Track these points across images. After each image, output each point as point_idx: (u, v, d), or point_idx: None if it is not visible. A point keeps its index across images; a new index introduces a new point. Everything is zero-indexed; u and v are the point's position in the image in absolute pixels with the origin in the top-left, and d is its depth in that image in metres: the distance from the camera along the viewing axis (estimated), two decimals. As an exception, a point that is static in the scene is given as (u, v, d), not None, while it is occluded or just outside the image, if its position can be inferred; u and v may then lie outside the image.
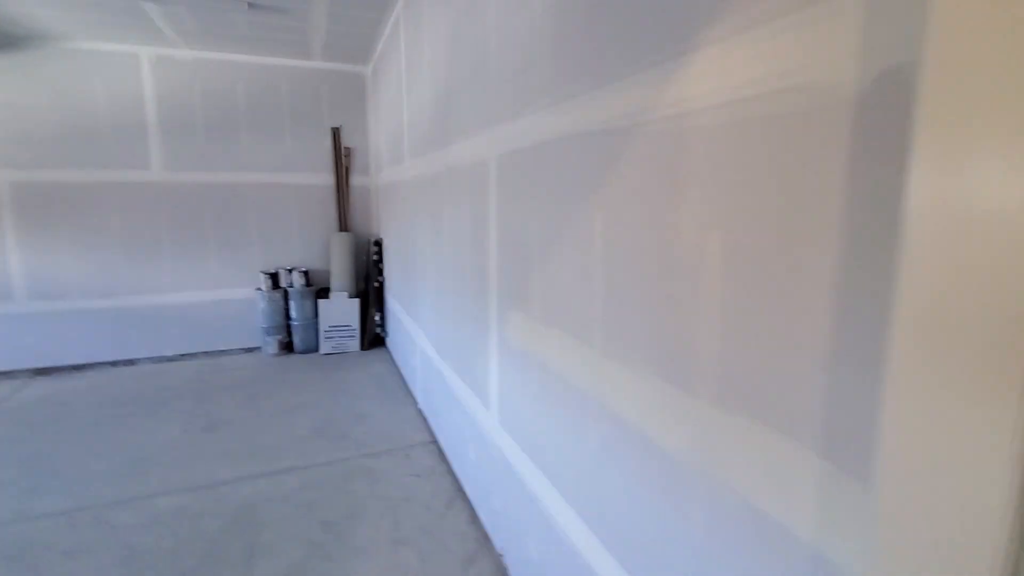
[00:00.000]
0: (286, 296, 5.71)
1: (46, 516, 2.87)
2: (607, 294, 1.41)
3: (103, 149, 5.20)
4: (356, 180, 6.14)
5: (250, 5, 4.02)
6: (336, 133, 5.94)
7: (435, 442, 3.68)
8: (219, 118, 5.53)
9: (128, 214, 5.35)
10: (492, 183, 2.18)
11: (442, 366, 3.36)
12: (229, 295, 5.78)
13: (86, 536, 2.70)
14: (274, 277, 5.67)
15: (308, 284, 5.78)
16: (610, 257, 1.40)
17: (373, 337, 5.95)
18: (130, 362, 5.53)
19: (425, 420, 4.02)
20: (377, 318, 5.85)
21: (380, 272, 5.74)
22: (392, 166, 4.80)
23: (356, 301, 5.84)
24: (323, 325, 5.74)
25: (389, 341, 5.78)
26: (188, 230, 5.56)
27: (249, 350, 5.91)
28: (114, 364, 5.48)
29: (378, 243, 5.73)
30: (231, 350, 5.87)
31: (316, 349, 5.80)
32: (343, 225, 6.06)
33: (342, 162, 5.97)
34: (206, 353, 5.78)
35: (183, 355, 5.71)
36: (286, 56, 5.58)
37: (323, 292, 5.88)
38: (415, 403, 4.36)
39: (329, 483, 3.19)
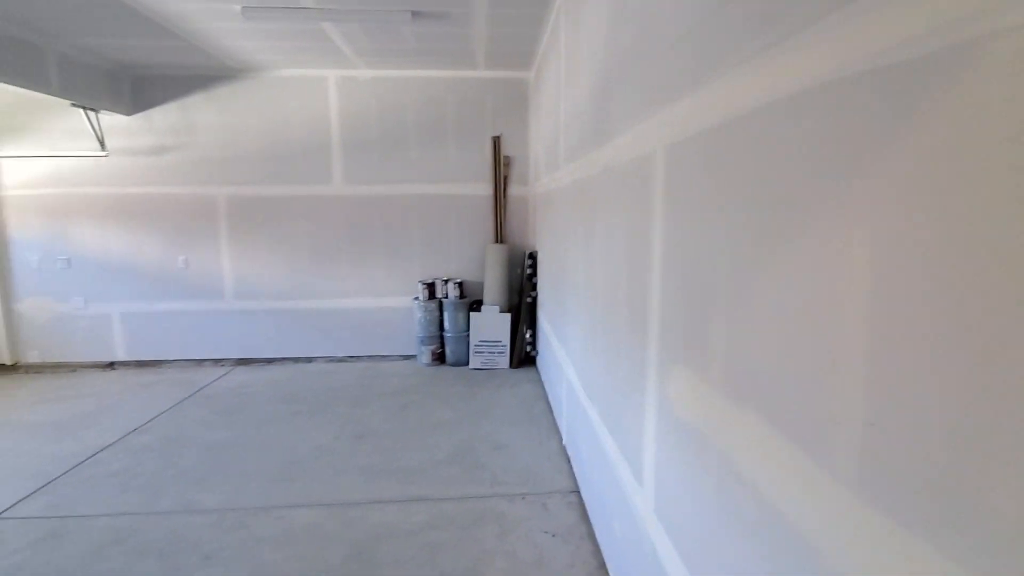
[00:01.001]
0: (440, 307, 5.70)
1: (202, 512, 3.01)
2: (875, 371, 0.75)
3: (295, 166, 5.75)
4: (514, 190, 5.92)
5: (413, 14, 3.98)
6: (496, 142, 5.80)
7: (577, 492, 3.14)
8: (390, 133, 5.76)
9: (313, 225, 5.84)
10: (658, 183, 1.60)
11: (588, 406, 2.82)
12: (392, 303, 5.97)
13: (226, 541, 2.73)
14: (431, 287, 5.71)
15: (462, 296, 5.70)
16: (884, 302, 0.73)
17: (524, 355, 5.63)
18: (308, 360, 6.02)
19: (568, 461, 3.50)
20: (528, 335, 5.52)
21: (533, 287, 5.41)
22: (548, 174, 4.42)
23: (507, 316, 5.59)
24: (474, 339, 5.60)
25: (539, 361, 5.41)
26: (360, 240, 5.88)
27: (406, 358, 6.04)
28: (296, 361, 6.01)
29: (532, 256, 5.41)
30: (391, 356, 6.07)
31: (467, 363, 5.69)
32: (499, 237, 5.88)
33: (501, 171, 5.80)
34: (370, 357, 6.05)
35: (351, 357, 6.05)
36: (451, 68, 5.59)
37: (476, 305, 5.75)
38: (559, 437, 3.88)
39: (457, 524, 2.85)
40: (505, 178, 5.84)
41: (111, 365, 5.88)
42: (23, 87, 4.35)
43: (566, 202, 3.49)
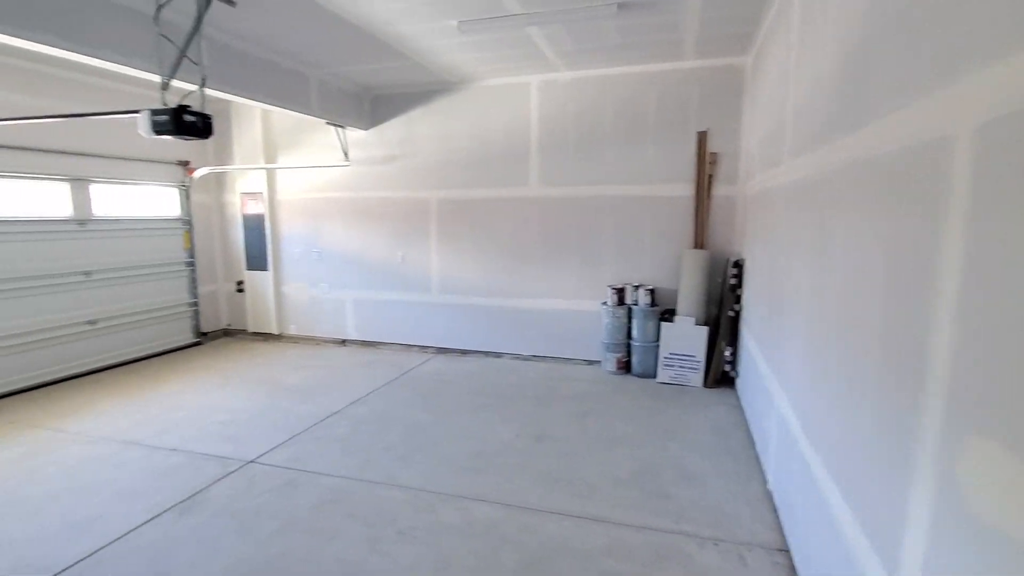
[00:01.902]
0: (629, 314, 5.42)
1: (402, 488, 3.28)
2: None
3: (496, 169, 6.04)
4: (720, 190, 5.33)
5: (619, 6, 3.79)
6: (702, 138, 5.28)
7: (786, 551, 2.62)
8: (586, 133, 5.67)
9: (510, 226, 6.08)
10: (957, 178, 1.14)
11: (808, 452, 2.31)
12: (580, 306, 5.90)
13: (418, 522, 2.92)
14: (620, 293, 5.47)
15: (653, 304, 5.34)
16: None
17: (720, 375, 5.05)
18: (497, 355, 6.30)
19: (775, 510, 2.97)
20: (728, 353, 4.92)
21: (737, 299, 4.79)
22: (765, 170, 3.83)
23: (704, 329, 5.06)
24: (664, 350, 5.20)
25: (739, 384, 4.78)
26: (553, 241, 5.93)
27: (590, 363, 5.91)
28: (486, 354, 6.34)
29: (738, 264, 4.79)
30: (575, 360, 6.00)
31: (654, 375, 5.32)
32: (698, 241, 5.36)
33: (705, 169, 5.27)
34: (554, 358, 6.08)
35: (536, 356, 6.15)
36: (655, 61, 5.26)
37: (668, 314, 5.34)
38: (763, 478, 3.33)
39: (636, 558, 2.61)
40: (710, 177, 5.30)
41: (343, 342, 6.95)
42: (293, 110, 5.35)
43: (790, 203, 2.94)
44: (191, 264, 6.83)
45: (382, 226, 6.60)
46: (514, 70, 5.58)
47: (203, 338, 7.02)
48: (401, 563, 2.58)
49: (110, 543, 2.73)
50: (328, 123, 6.03)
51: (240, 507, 3.07)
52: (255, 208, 7.02)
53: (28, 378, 5.12)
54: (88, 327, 5.63)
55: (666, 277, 5.54)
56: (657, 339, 5.27)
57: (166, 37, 3.38)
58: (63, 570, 2.52)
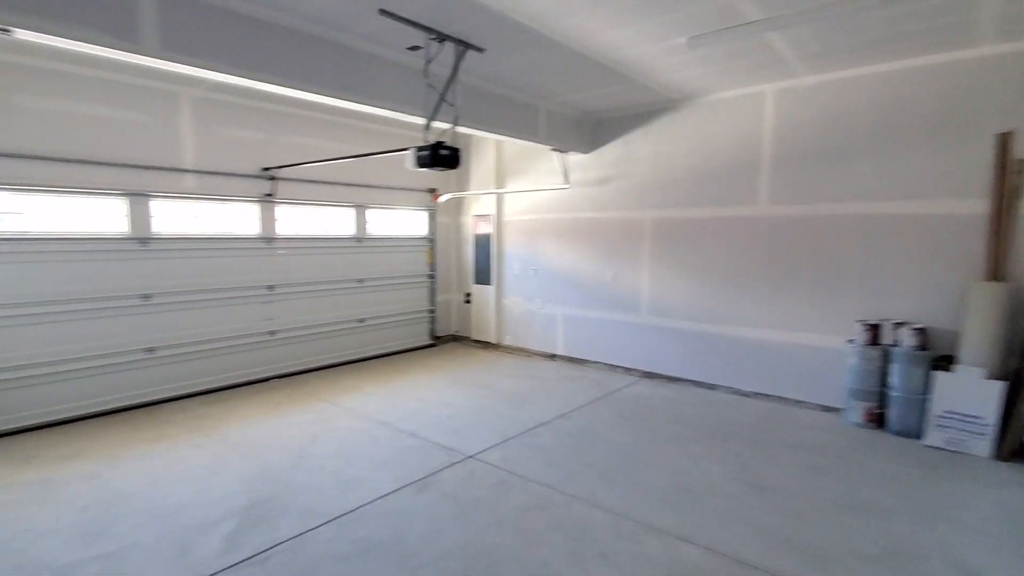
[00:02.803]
0: (886, 356, 4.51)
1: (603, 509, 3.26)
2: None
3: (718, 187, 5.67)
4: (1031, 206, 4.11)
5: (887, -5, 3.24)
6: (1004, 141, 4.15)
7: None
8: (831, 144, 4.94)
9: (730, 247, 5.63)
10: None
11: None
12: (814, 341, 5.13)
13: (620, 548, 2.86)
14: (874, 330, 4.59)
15: (922, 347, 4.35)
16: None
17: (1019, 445, 3.84)
18: (711, 387, 5.85)
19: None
20: (1037, 419, 3.72)
21: (1057, 349, 3.60)
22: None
23: (998, 385, 3.93)
24: (936, 406, 4.18)
25: (1057, 463, 3.57)
26: (781, 265, 5.30)
27: (827, 409, 5.07)
28: (697, 384, 5.94)
29: (1060, 303, 3.61)
30: (806, 403, 5.22)
31: (918, 435, 4.31)
32: (994, 272, 4.20)
33: (1008, 181, 4.13)
34: (780, 398, 5.38)
35: (757, 393, 5.53)
36: (931, 52, 4.33)
37: (944, 361, 4.28)
38: (1101, 602, 2.40)
39: (889, 656, 2.12)
40: (1015, 190, 4.12)
41: (552, 356, 7.27)
42: (524, 139, 5.85)
43: None
44: (432, 276, 7.96)
45: (594, 245, 6.75)
46: (745, 80, 5.19)
47: (436, 341, 8.09)
48: (603, 586, 2.55)
49: (367, 503, 3.31)
50: (552, 149, 6.44)
51: (463, 496, 3.42)
52: (484, 228, 7.86)
53: (316, 360, 6.57)
54: (358, 324, 6.99)
55: (940, 314, 4.47)
56: (926, 391, 4.26)
57: (431, 86, 4.04)
58: (335, 517, 3.14)
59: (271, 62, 3.60)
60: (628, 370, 6.51)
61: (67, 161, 4.64)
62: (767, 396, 5.46)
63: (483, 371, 6.61)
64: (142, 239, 5.13)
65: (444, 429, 4.59)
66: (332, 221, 6.75)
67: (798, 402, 5.27)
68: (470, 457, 4.02)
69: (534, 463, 3.92)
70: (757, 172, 5.42)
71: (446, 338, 8.31)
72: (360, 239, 7.00)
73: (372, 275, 7.13)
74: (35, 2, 2.70)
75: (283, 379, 6.18)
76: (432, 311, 8.00)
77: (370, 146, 6.62)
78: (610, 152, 6.56)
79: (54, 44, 2.89)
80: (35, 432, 4.52)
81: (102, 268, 4.89)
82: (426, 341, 7.95)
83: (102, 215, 4.94)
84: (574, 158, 6.81)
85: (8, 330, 4.42)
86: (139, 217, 5.11)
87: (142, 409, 5.13)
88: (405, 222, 7.65)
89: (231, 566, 2.69)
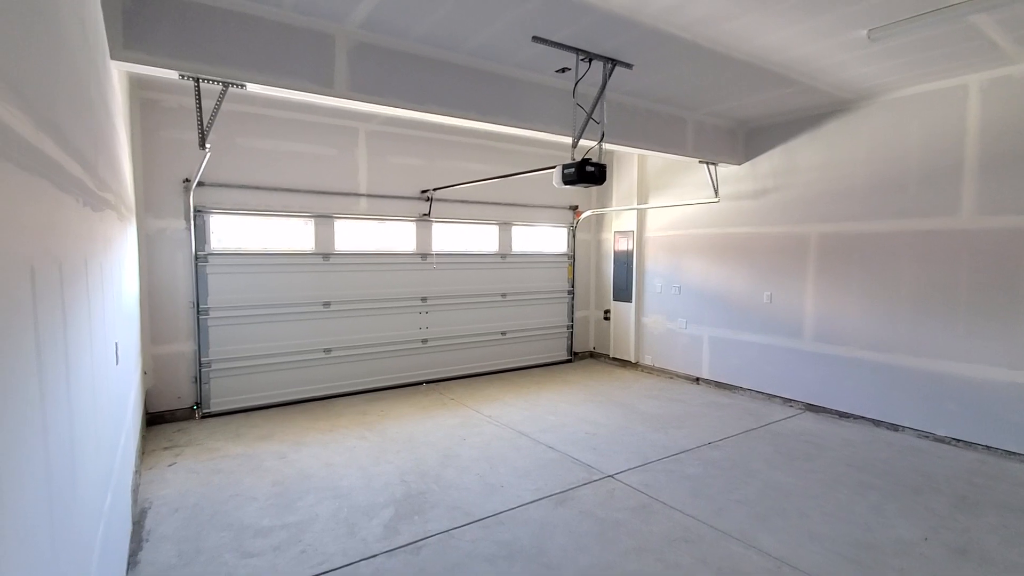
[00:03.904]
0: None
1: (760, 552, 2.96)
2: None
3: (905, 197, 4.93)
4: None
5: None
6: None
7: None
8: (1071, 139, 4.03)
9: (920, 265, 4.84)
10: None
11: None
12: (1041, 381, 4.17)
13: (780, 597, 2.57)
14: None
15: None
16: None
17: None
18: (893, 427, 5.03)
19: None
20: None
21: None
22: None
23: None
24: None
25: None
26: (993, 287, 4.41)
27: (1061, 466, 4.07)
28: (876, 423, 5.15)
29: None
30: (1029, 456, 4.24)
31: None
32: None
33: None
34: (989, 448, 4.44)
35: (956, 440, 4.63)
36: None
37: None
38: None
39: None
40: None
41: (697, 380, 6.85)
42: (670, 153, 5.68)
43: None
44: (571, 292, 8.02)
45: (746, 263, 6.26)
46: (939, 73, 4.48)
47: (574, 357, 8.10)
48: (761, 636, 2.31)
49: (509, 509, 3.41)
50: (701, 162, 6.15)
51: (602, 515, 3.35)
52: (624, 245, 7.73)
53: (461, 369, 6.97)
54: (501, 336, 7.29)
55: None
56: None
57: (579, 105, 4.12)
58: (480, 519, 3.28)
59: (437, 95, 3.97)
60: (787, 401, 5.88)
61: (272, 189, 5.57)
62: (971, 444, 4.54)
63: (621, 390, 6.45)
64: (325, 255, 5.94)
65: (583, 446, 4.55)
66: (479, 238, 7.17)
67: (1014, 454, 4.30)
68: (609, 476, 3.93)
69: (679, 491, 3.71)
70: (958, 178, 4.60)
71: (583, 354, 8.28)
72: (504, 255, 7.32)
73: (515, 290, 7.40)
74: (261, 62, 3.32)
75: (432, 384, 6.65)
76: (570, 327, 8.04)
77: (515, 166, 6.93)
78: (767, 162, 6.07)
79: (270, 93, 3.52)
80: (240, 414, 5.43)
81: (294, 279, 5.75)
82: (564, 356, 8.00)
83: (295, 234, 5.83)
84: (725, 170, 6.42)
85: (223, 328, 5.39)
86: (323, 236, 5.93)
87: (318, 401, 5.88)
88: (546, 239, 7.83)
89: (390, 550, 2.95)
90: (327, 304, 5.96)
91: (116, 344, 2.60)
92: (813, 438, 4.83)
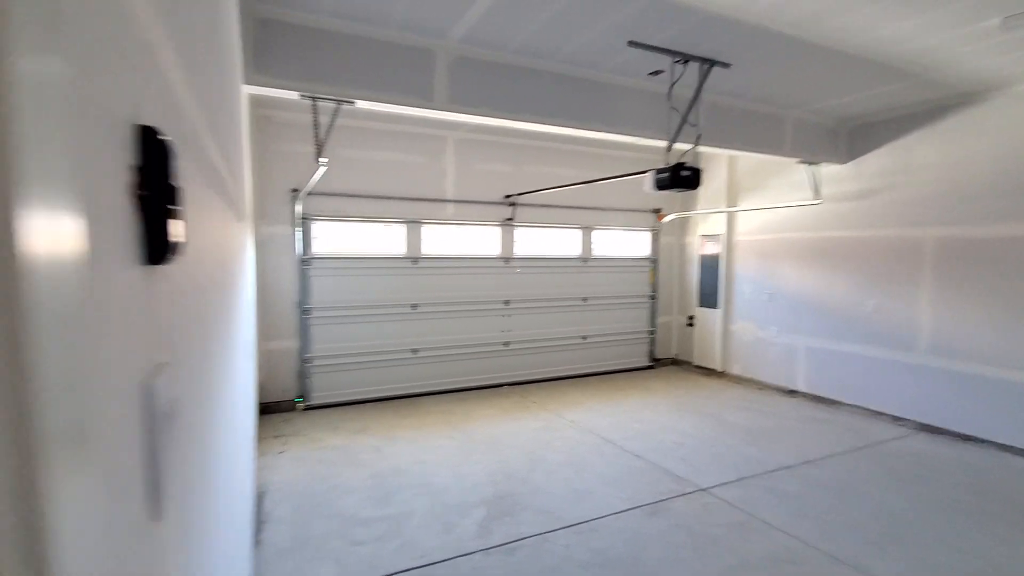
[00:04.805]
0: None
1: (876, 581, 2.77)
2: None
3: (1046, 197, 4.40)
4: None
5: None
6: None
7: None
8: None
9: (1064, 274, 4.30)
10: None
11: None
12: None
13: (904, 633, 2.38)
14: None
15: None
16: None
17: None
18: (1022, 452, 4.52)
19: None
20: None
21: None
22: None
23: None
24: None
25: None
26: None
27: None
28: (1001, 448, 4.63)
29: None
30: None
31: None
32: None
33: None
34: None
35: (1109, 472, 4.07)
36: None
37: None
38: None
39: None
40: None
41: (791, 392, 6.46)
42: (765, 153, 5.42)
43: None
44: (653, 297, 7.84)
45: (848, 269, 5.84)
46: (1095, 57, 3.96)
47: (655, 364, 7.91)
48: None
49: (600, 517, 3.40)
50: (799, 162, 5.82)
51: (698, 529, 3.26)
52: (712, 249, 7.45)
53: (542, 372, 7.01)
54: (581, 341, 7.26)
55: None
56: None
57: (674, 108, 4.04)
58: (571, 524, 3.30)
59: (531, 104, 4.05)
60: (897, 419, 5.42)
61: (367, 197, 5.89)
62: None
63: (708, 400, 6.22)
64: (414, 258, 6.20)
65: (671, 456, 4.44)
66: (561, 242, 7.19)
67: None
68: (702, 490, 3.81)
69: (779, 510, 3.53)
70: (1114, 174, 4.05)
71: (665, 361, 8.06)
72: (585, 259, 7.29)
73: (595, 294, 7.35)
74: (369, 80, 3.54)
75: (512, 387, 6.74)
76: (652, 332, 7.87)
77: (597, 169, 6.88)
78: (874, 161, 5.64)
79: (374, 108, 3.73)
80: (337, 407, 5.78)
81: (386, 282, 6.05)
82: (644, 363, 7.83)
83: (387, 239, 6.13)
84: (826, 170, 6.03)
85: (323, 327, 5.76)
86: (412, 240, 6.20)
87: (405, 399, 6.14)
88: (628, 243, 7.71)
89: (486, 549, 3.03)
90: (415, 306, 6.22)
91: (246, 338, 2.87)
92: (928, 460, 4.42)
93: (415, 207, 6.17)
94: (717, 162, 7.25)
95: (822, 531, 3.26)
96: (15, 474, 0.26)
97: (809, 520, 3.39)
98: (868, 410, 5.66)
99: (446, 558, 2.95)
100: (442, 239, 6.43)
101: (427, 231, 6.31)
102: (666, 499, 3.65)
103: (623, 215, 7.55)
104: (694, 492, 3.77)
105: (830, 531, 3.26)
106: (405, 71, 3.64)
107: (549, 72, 4.12)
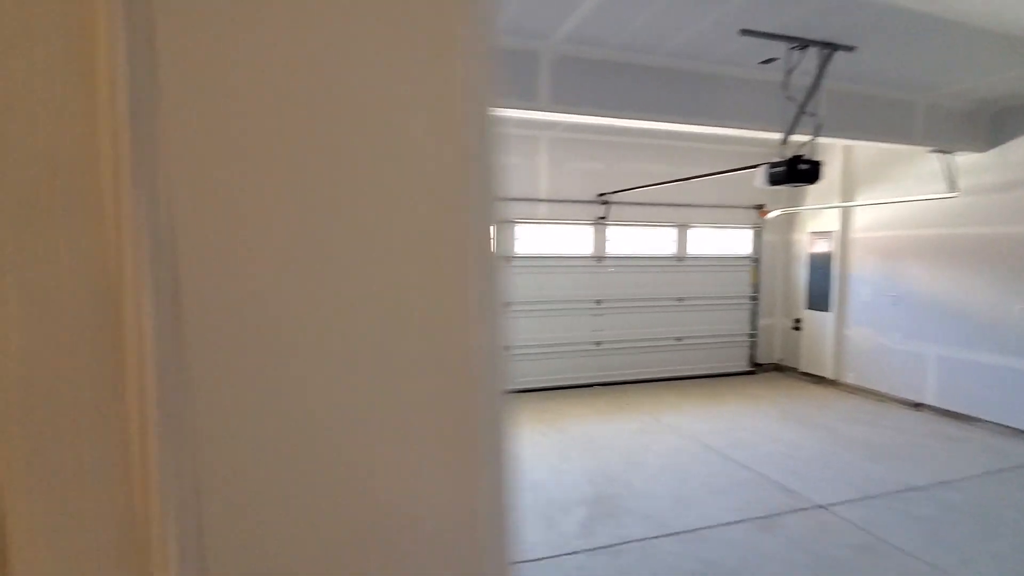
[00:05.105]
0: None
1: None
2: None
3: None
4: None
5: None
6: None
7: None
8: None
9: None
10: None
11: None
12: None
13: None
14: None
15: None
16: None
17: None
18: None
19: None
20: None
21: None
22: None
23: None
24: None
25: None
26: None
27: None
28: None
29: None
30: None
31: None
32: None
33: None
34: None
35: None
36: None
37: None
38: None
39: None
40: None
41: (917, 405, 5.85)
42: (892, 143, 4.94)
43: None
44: (754, 298, 7.42)
45: (989, 269, 5.18)
46: None
47: (756, 368, 7.48)
48: None
49: (707, 527, 3.28)
50: (931, 151, 5.25)
51: (817, 550, 3.06)
52: (822, 247, 6.92)
53: (635, 373, 6.87)
54: (675, 342, 7.04)
55: None
56: None
57: (790, 97, 3.79)
58: (677, 532, 3.22)
59: (633, 100, 3.97)
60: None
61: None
62: None
63: (818, 409, 5.79)
64: (506, 257, 6.32)
65: (780, 468, 4.19)
66: (655, 240, 7.00)
67: None
68: (820, 507, 3.56)
69: (911, 535, 3.22)
70: None
71: (767, 366, 7.59)
72: (680, 258, 7.05)
73: (691, 294, 7.08)
74: (476, 83, 3.64)
75: (604, 387, 6.66)
76: (753, 335, 7.45)
77: (693, 165, 6.61)
78: (1021, 148, 4.96)
79: (482, 112, 3.83)
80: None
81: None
82: (744, 367, 7.43)
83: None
84: (963, 159, 5.38)
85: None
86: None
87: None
88: (727, 240, 7.35)
89: (591, 549, 3.04)
90: (507, 304, 6.34)
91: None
92: (1097, 492, 3.83)
93: (508, 206, 6.28)
94: (831, 153, 6.70)
95: (961, 560, 2.94)
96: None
97: (946, 547, 3.07)
98: (1010, 428, 5.00)
99: (552, 555, 2.99)
100: (534, 238, 6.50)
101: (520, 230, 6.40)
102: (779, 514, 3.45)
103: (722, 212, 7.20)
104: (810, 508, 3.54)
105: (970, 560, 2.94)
106: (509, 72, 3.71)
107: (652, 67, 4.01)
